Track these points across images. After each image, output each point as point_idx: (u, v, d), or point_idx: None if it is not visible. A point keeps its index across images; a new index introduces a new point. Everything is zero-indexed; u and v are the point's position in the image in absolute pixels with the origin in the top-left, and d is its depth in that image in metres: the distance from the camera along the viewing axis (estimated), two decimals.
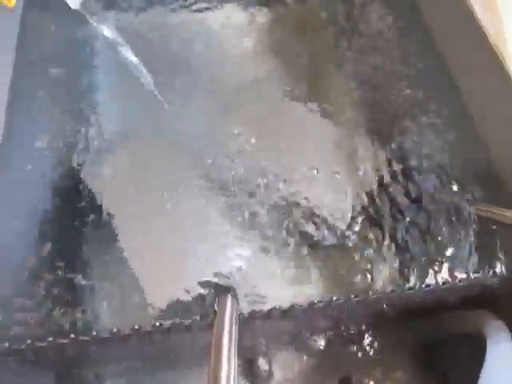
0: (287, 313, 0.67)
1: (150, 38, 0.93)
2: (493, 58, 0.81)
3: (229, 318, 0.58)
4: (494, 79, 0.81)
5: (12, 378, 0.70)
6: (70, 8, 0.70)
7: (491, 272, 0.72)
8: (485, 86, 0.85)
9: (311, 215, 0.76)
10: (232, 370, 0.50)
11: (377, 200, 0.77)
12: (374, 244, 0.73)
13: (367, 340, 0.85)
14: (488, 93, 0.84)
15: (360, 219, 0.76)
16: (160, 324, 0.64)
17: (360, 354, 0.84)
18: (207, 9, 0.99)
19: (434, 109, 0.87)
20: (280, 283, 0.69)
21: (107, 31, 0.74)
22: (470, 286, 0.73)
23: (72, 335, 0.63)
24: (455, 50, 0.90)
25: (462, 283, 0.72)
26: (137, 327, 0.64)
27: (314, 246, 0.73)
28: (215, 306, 0.64)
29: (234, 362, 0.52)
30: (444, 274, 0.71)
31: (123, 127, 0.83)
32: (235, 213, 0.75)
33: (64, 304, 0.66)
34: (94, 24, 0.72)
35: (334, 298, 0.67)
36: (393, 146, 0.83)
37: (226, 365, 0.50)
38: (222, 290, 0.66)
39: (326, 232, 0.74)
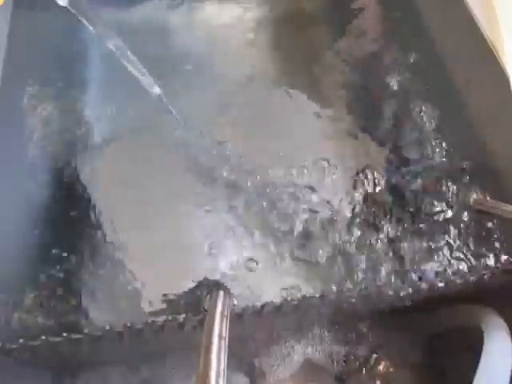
0: (280, 308, 0.67)
1: (142, 34, 0.93)
2: (490, 56, 0.81)
3: (219, 314, 0.58)
4: (491, 76, 0.81)
5: (9, 379, 0.70)
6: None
7: (489, 266, 0.71)
8: (482, 83, 0.84)
9: (307, 211, 0.75)
10: (221, 367, 0.50)
11: (375, 196, 0.77)
12: (370, 240, 0.73)
13: (365, 336, 0.85)
14: (485, 90, 0.84)
15: (356, 215, 0.75)
16: (152, 321, 0.64)
17: (358, 350, 0.84)
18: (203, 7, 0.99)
19: (432, 106, 0.86)
20: (274, 279, 0.69)
21: (98, 28, 0.73)
22: (468, 280, 0.72)
23: (64, 333, 0.63)
24: (453, 49, 0.90)
25: (459, 278, 0.72)
26: (129, 324, 0.64)
27: (310, 240, 0.73)
28: (206, 302, 0.64)
29: (224, 358, 0.51)
30: (441, 269, 0.71)
31: (116, 125, 0.83)
32: (229, 210, 0.75)
33: (56, 302, 0.66)
34: (84, 21, 0.72)
35: (328, 293, 0.67)
36: (391, 143, 0.82)
37: (215, 362, 0.50)
38: (214, 287, 0.66)
39: (321, 228, 0.74)
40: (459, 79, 0.88)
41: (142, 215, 0.74)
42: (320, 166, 0.80)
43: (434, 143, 0.82)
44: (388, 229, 0.74)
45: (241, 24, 0.98)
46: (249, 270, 0.70)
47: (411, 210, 0.76)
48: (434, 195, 0.77)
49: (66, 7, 0.69)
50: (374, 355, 0.84)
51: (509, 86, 0.77)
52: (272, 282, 0.69)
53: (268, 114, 0.86)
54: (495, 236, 0.74)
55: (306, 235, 0.73)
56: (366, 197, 0.77)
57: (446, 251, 0.72)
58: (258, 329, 0.77)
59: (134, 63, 0.76)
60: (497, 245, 0.73)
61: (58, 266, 0.69)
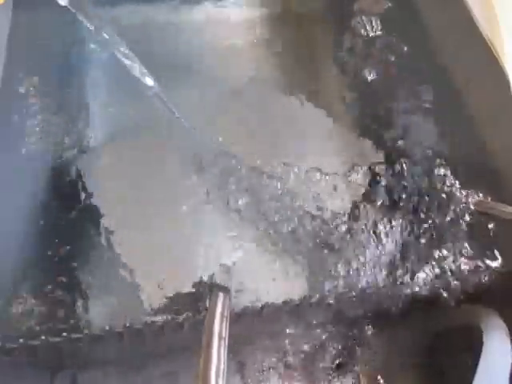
0: (280, 309, 0.67)
1: (142, 34, 0.93)
2: (490, 56, 0.81)
3: (219, 314, 0.58)
4: (491, 77, 0.81)
5: (9, 379, 0.70)
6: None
7: (489, 267, 0.72)
8: (482, 83, 0.84)
9: (307, 212, 0.75)
10: (221, 368, 0.50)
11: (373, 196, 0.77)
12: (369, 240, 0.73)
13: (364, 336, 0.84)
14: (485, 90, 0.84)
15: (356, 215, 0.75)
16: (152, 321, 0.64)
17: (357, 350, 0.84)
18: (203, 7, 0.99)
19: (432, 107, 0.87)
20: (273, 280, 0.69)
21: (98, 27, 0.73)
22: (468, 281, 0.72)
23: (64, 333, 0.63)
24: (453, 49, 0.90)
25: (459, 278, 0.72)
26: (128, 325, 0.64)
27: (309, 241, 0.73)
28: (207, 302, 0.64)
29: (224, 359, 0.51)
30: (441, 269, 0.71)
31: (115, 125, 0.83)
32: (229, 210, 0.75)
33: (56, 302, 0.66)
34: (84, 21, 0.72)
35: (327, 294, 0.67)
36: (392, 143, 0.82)
37: (215, 362, 0.50)
38: (214, 287, 0.66)
39: (321, 228, 0.74)
40: (459, 79, 0.88)
41: (142, 215, 0.74)
42: (321, 166, 0.80)
43: (433, 143, 0.82)
44: (388, 229, 0.74)
45: (241, 24, 0.98)
46: (249, 271, 0.70)
47: (411, 210, 0.75)
48: (434, 196, 0.77)
49: (66, 6, 0.69)
50: (374, 355, 0.84)
51: (509, 85, 0.77)
52: (272, 282, 0.69)
53: (268, 114, 0.86)
54: (495, 237, 0.74)
55: (306, 236, 0.73)
56: (366, 197, 0.77)
57: (445, 252, 0.72)
58: (259, 329, 0.77)
59: (134, 63, 0.76)
60: (496, 245, 0.73)
61: (58, 266, 0.69)
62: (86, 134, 0.82)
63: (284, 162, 0.80)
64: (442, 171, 0.79)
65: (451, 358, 0.81)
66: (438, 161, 0.80)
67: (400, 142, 0.83)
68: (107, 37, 0.75)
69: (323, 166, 0.80)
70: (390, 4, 1.00)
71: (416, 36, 0.96)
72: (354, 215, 0.75)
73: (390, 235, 0.74)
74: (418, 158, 0.81)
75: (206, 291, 0.66)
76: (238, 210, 0.75)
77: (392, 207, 0.76)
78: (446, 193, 0.77)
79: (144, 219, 0.74)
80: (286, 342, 0.80)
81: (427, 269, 0.71)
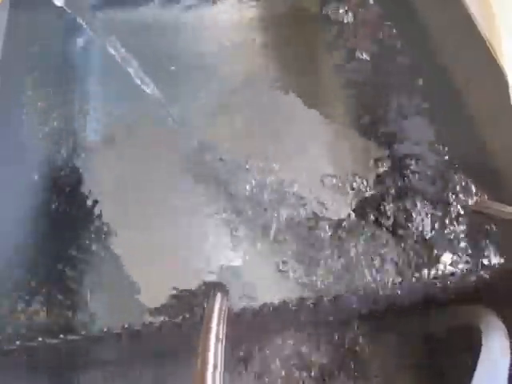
0: (278, 309, 0.67)
1: (139, 35, 0.93)
2: (489, 57, 0.81)
3: (217, 316, 0.58)
4: (491, 77, 0.81)
5: (8, 379, 0.70)
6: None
7: (488, 267, 0.71)
8: (482, 83, 0.84)
9: (306, 213, 0.75)
10: (218, 369, 0.50)
11: (373, 197, 0.77)
12: (369, 241, 0.73)
13: (363, 337, 0.84)
14: (485, 90, 0.84)
15: (355, 216, 0.75)
16: (150, 322, 0.64)
17: (356, 351, 0.84)
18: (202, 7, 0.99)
19: (432, 106, 0.86)
20: (272, 280, 0.69)
21: (95, 28, 0.74)
22: (466, 280, 0.72)
23: (61, 335, 0.63)
24: (451, 48, 0.90)
25: (457, 278, 0.71)
26: (126, 326, 0.64)
27: (310, 242, 0.73)
28: (205, 303, 0.63)
29: (221, 360, 0.51)
30: (439, 269, 0.71)
31: (114, 126, 0.83)
32: (229, 210, 0.75)
33: (54, 304, 0.66)
34: (81, 21, 0.72)
35: (326, 295, 0.67)
36: (391, 143, 0.82)
37: (211, 363, 0.50)
38: (212, 288, 0.66)
39: (320, 229, 0.74)
40: (459, 79, 0.88)
41: (142, 215, 0.74)
42: (321, 165, 0.80)
43: (433, 143, 0.82)
44: (386, 230, 0.74)
45: (241, 24, 0.98)
46: (247, 271, 0.70)
47: (410, 210, 0.75)
48: (433, 196, 0.77)
49: (62, 7, 0.69)
50: (373, 356, 0.84)
51: (507, 86, 0.77)
52: (271, 282, 0.69)
53: (267, 114, 0.86)
54: (494, 237, 0.74)
55: (305, 237, 0.73)
56: (365, 198, 0.77)
57: (445, 252, 0.72)
58: (258, 330, 0.77)
59: (132, 63, 0.76)
60: (496, 245, 0.73)
61: (56, 267, 0.69)
62: (85, 135, 0.82)
63: (284, 162, 0.80)
64: (441, 171, 0.79)
65: (451, 358, 0.81)
66: (437, 160, 0.80)
67: (400, 142, 0.82)
68: (104, 37, 0.75)
69: (324, 166, 0.80)
70: (389, 4, 1.00)
71: (415, 36, 0.95)
72: (353, 216, 0.75)
73: (389, 235, 0.73)
74: (418, 157, 0.80)
75: (204, 292, 0.66)
76: (238, 211, 0.75)
77: (391, 207, 0.76)
78: (445, 192, 0.77)
79: (144, 219, 0.74)
80: (285, 342, 0.80)
81: (426, 269, 0.71)
